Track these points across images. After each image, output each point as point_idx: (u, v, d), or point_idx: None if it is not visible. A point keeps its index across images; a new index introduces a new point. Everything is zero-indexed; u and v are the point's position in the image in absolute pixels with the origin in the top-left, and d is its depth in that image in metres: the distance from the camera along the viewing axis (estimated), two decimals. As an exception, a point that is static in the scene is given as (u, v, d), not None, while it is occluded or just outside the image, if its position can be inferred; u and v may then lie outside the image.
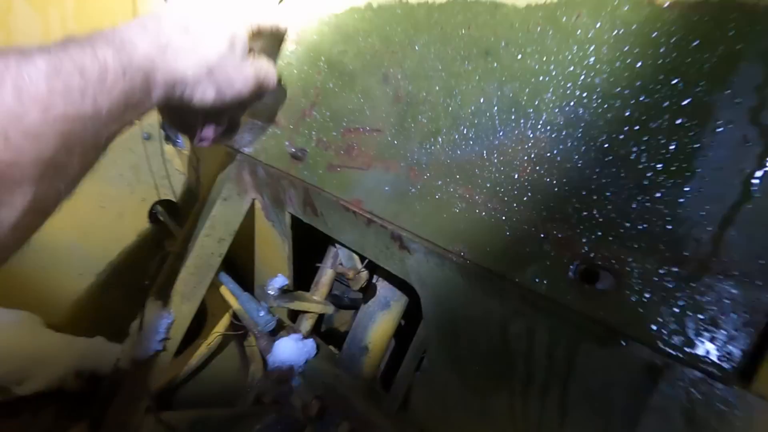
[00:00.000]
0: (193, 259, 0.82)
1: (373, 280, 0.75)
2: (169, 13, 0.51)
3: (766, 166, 0.32)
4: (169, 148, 1.16)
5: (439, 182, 0.52)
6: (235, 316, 0.91)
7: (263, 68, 0.59)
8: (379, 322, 0.77)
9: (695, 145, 0.35)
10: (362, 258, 0.72)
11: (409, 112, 0.56)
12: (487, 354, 0.51)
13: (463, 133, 0.51)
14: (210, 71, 0.52)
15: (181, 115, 0.61)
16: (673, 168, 0.36)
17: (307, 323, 0.81)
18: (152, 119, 1.11)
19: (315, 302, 0.81)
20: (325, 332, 1.01)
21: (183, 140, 1.11)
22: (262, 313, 0.75)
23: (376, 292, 0.75)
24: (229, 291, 0.85)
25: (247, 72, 0.56)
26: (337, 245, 0.74)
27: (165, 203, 1.21)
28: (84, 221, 1.08)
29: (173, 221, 1.18)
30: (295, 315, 0.85)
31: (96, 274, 1.12)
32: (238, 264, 1.02)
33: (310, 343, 0.77)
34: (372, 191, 0.58)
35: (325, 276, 0.82)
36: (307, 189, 0.67)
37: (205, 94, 0.53)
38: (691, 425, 0.32)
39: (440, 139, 0.53)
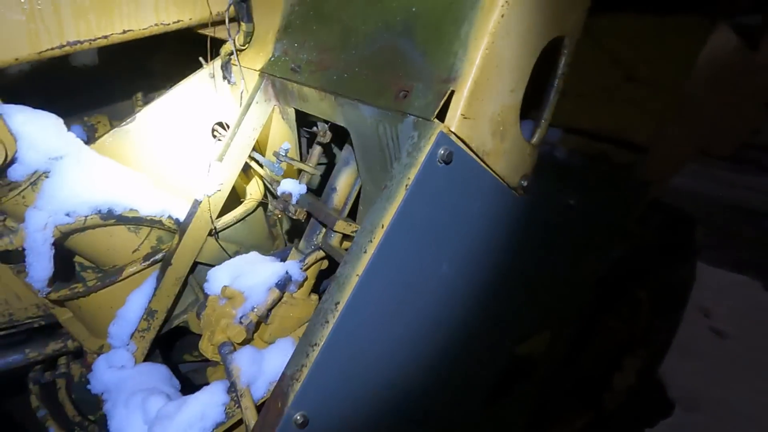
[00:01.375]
0: (238, 139, 1.37)
1: (344, 148, 1.27)
2: None
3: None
4: (225, 84, 1.72)
5: (356, 69, 1.02)
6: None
7: None
8: (343, 173, 1.28)
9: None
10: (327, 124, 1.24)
11: (346, 36, 1.07)
12: (377, 155, 1.01)
13: (363, 43, 1.01)
14: None
15: None
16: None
17: (303, 179, 1.35)
18: (216, 63, 1.67)
19: (308, 165, 1.34)
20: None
21: (234, 78, 1.66)
22: (276, 164, 1.29)
23: (342, 155, 1.27)
24: (256, 161, 1.40)
25: None
26: (318, 123, 1.26)
27: (221, 123, 1.79)
28: (173, 129, 1.67)
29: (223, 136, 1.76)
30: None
31: (180, 168, 1.72)
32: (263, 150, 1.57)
33: (303, 186, 1.30)
34: (328, 79, 1.09)
35: (315, 149, 1.35)
36: (300, 88, 1.20)
37: None
38: (417, 144, 0.82)
39: (358, 48, 1.04)
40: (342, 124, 1.10)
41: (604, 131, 1.57)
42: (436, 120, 0.80)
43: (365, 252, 0.79)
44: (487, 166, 0.88)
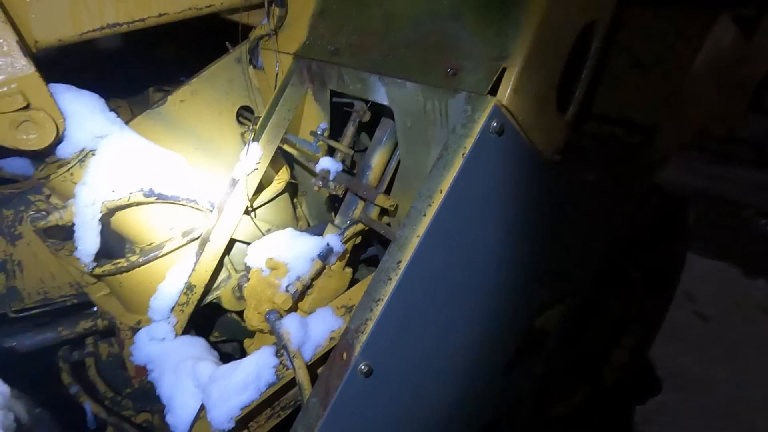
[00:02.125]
0: (274, 120, 1.43)
1: (378, 128, 1.34)
2: None
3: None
4: (251, 69, 1.77)
5: (402, 50, 1.10)
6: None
7: None
8: (378, 151, 1.36)
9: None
10: (367, 104, 1.31)
11: (389, 22, 1.14)
12: (421, 131, 1.09)
13: (408, 25, 1.08)
14: None
15: None
16: None
17: (339, 155, 1.42)
18: (242, 48, 1.72)
19: (343, 145, 1.41)
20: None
21: (262, 62, 1.71)
22: (314, 145, 1.35)
23: (377, 133, 1.35)
24: (290, 141, 1.47)
25: None
26: (355, 102, 1.33)
27: (247, 108, 1.83)
28: (201, 113, 1.71)
29: (251, 121, 1.81)
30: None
31: (206, 149, 1.76)
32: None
33: (339, 163, 1.37)
34: (371, 61, 1.16)
35: (349, 129, 1.42)
36: (340, 69, 1.26)
37: None
38: (471, 117, 0.90)
39: (402, 30, 1.11)
40: (385, 103, 1.17)
41: (614, 114, 1.67)
42: (489, 95, 0.88)
43: (424, 215, 0.87)
44: (530, 139, 0.97)
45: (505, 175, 0.95)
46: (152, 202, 1.40)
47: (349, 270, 1.41)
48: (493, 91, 0.89)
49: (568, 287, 1.63)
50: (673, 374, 3.43)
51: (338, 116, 1.45)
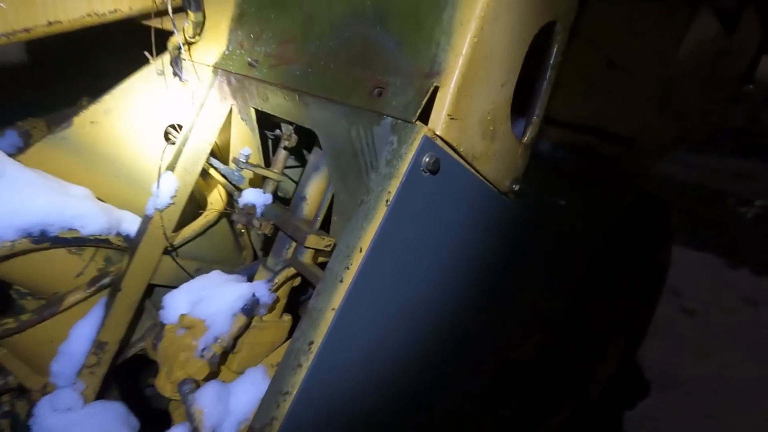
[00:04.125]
0: (191, 144, 1.21)
1: (312, 151, 1.14)
2: None
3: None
4: (176, 81, 1.55)
5: (322, 62, 0.89)
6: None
7: None
8: (313, 180, 1.15)
9: None
10: (293, 125, 1.10)
11: (309, 25, 0.93)
12: (351, 161, 0.89)
13: (331, 31, 0.88)
14: None
15: None
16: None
17: (268, 187, 1.21)
18: (164, 58, 1.49)
19: (272, 171, 1.19)
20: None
21: (185, 74, 1.49)
22: (236, 173, 1.14)
23: (311, 159, 1.14)
24: (215, 168, 1.25)
25: None
26: (282, 124, 1.12)
27: (175, 126, 1.61)
28: (117, 135, 1.48)
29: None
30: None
31: (126, 175, 1.53)
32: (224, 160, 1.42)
33: (268, 195, 1.16)
34: (290, 75, 0.95)
35: (280, 155, 1.21)
36: (259, 84, 1.05)
37: None
38: (397, 151, 0.70)
39: (324, 38, 0.90)
40: (308, 126, 0.96)
41: (588, 122, 1.49)
42: (418, 122, 0.68)
43: (341, 281, 0.67)
44: (477, 171, 0.77)
45: (444, 219, 0.75)
46: (45, 249, 1.17)
47: (288, 318, 1.21)
48: (424, 117, 0.69)
49: (544, 319, 1.45)
50: (661, 374, 3.31)
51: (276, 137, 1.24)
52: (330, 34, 0.88)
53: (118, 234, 1.32)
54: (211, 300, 1.09)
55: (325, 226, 1.13)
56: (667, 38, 1.41)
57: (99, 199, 1.34)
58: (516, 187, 0.86)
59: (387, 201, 0.67)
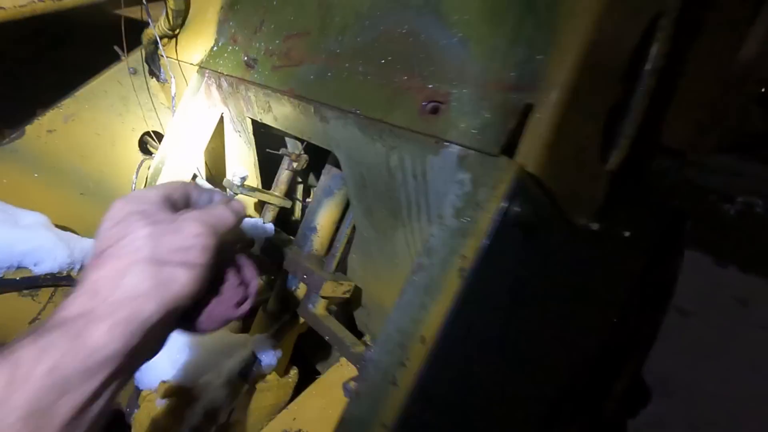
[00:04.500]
0: (173, 161, 0.98)
1: (323, 172, 0.92)
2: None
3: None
4: (153, 82, 1.31)
5: (346, 65, 0.67)
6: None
7: (207, 213, 0.48)
8: (325, 207, 0.94)
9: None
10: (303, 144, 0.89)
11: (327, 14, 0.71)
12: (384, 195, 0.68)
13: (360, 25, 0.66)
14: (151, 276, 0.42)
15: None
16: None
17: (269, 214, 0.99)
18: (137, 54, 1.25)
19: (274, 196, 0.98)
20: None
21: (165, 74, 1.26)
22: (229, 196, 0.92)
23: (325, 181, 0.92)
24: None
25: (186, 228, 0.45)
26: (287, 139, 0.90)
27: (153, 134, 1.37)
28: (82, 146, 1.24)
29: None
30: (260, 212, 1.03)
31: (94, 194, 1.29)
32: (215, 177, 1.19)
33: (270, 226, 0.94)
34: (302, 80, 0.74)
35: (283, 175, 0.99)
36: (257, 90, 0.83)
37: (171, 290, 0.43)
38: (472, 197, 0.49)
39: (348, 32, 0.68)
40: (325, 146, 0.75)
41: (672, 143, 1.30)
42: (503, 156, 0.48)
43: (394, 384, 0.46)
44: (559, 208, 0.57)
45: (536, 285, 0.55)
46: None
47: (293, 372, 1.00)
48: (510, 149, 0.48)
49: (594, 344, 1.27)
50: (660, 380, 3.20)
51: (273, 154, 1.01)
52: (357, 26, 0.67)
53: (82, 268, 1.08)
54: (199, 360, 0.87)
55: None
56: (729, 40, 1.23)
57: (59, 226, 1.10)
58: (595, 226, 0.66)
59: (462, 270, 0.46)
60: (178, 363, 0.88)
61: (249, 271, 0.52)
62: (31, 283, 0.99)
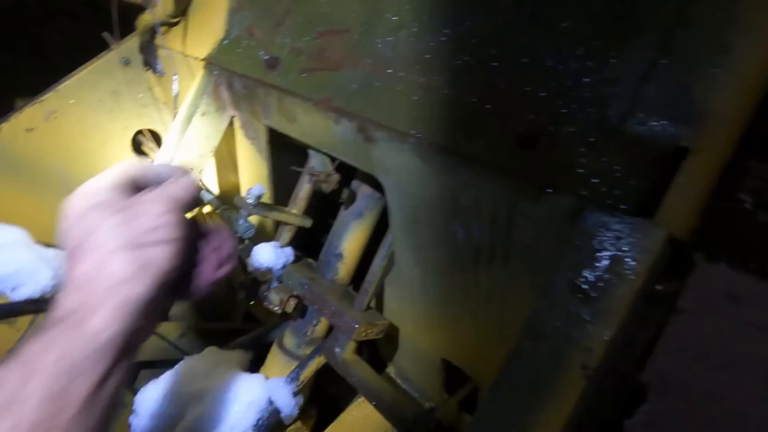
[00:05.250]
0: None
1: (352, 188, 0.79)
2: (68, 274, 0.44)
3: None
4: (149, 75, 1.16)
5: (401, 74, 0.54)
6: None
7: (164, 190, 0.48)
8: (353, 231, 0.81)
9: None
10: (334, 162, 0.75)
11: (375, 9, 0.58)
12: (442, 234, 0.56)
13: (424, 23, 0.53)
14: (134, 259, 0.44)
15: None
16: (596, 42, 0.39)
17: (286, 235, 0.86)
18: (131, 42, 1.10)
19: (293, 215, 0.85)
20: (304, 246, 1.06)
21: (162, 66, 1.11)
22: (241, 221, 0.79)
23: (353, 201, 0.80)
24: (210, 205, 0.88)
25: (150, 209, 0.46)
26: (311, 153, 0.77)
27: (148, 133, 1.22)
28: (67, 146, 1.09)
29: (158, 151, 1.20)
30: (275, 230, 0.90)
31: (82, 200, 1.15)
32: (224, 187, 1.05)
33: (288, 250, 0.82)
34: (341, 89, 0.60)
35: (303, 190, 0.86)
36: (281, 95, 0.69)
37: (159, 267, 0.45)
38: (599, 253, 0.37)
39: (404, 32, 0.55)
40: (366, 170, 0.62)
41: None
42: (642, 218, 0.36)
43: None
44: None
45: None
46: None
47: (313, 413, 0.89)
48: (649, 207, 0.36)
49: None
50: (657, 378, 3.20)
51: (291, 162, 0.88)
52: (420, 25, 0.54)
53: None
54: (206, 409, 0.75)
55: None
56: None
57: (38, 240, 0.96)
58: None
59: (584, 369, 0.34)
60: (177, 404, 0.76)
61: (221, 233, 0.55)
62: (10, 311, 0.85)
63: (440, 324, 0.69)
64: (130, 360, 0.44)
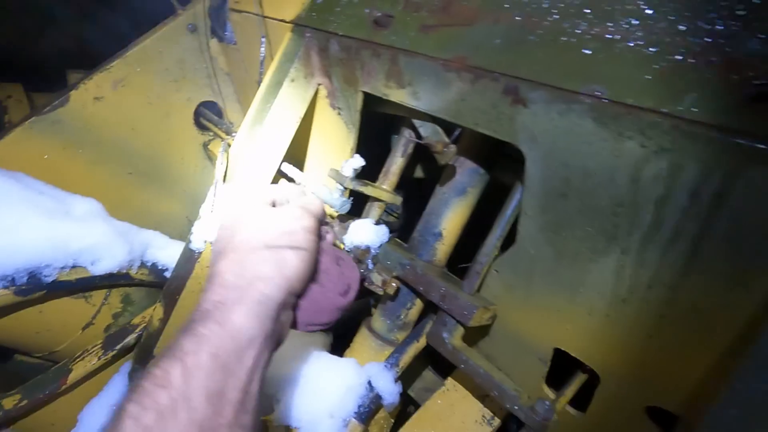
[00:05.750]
0: (258, 144, 0.79)
1: (454, 163, 0.73)
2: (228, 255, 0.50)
3: None
4: (213, 43, 1.10)
5: (566, 24, 0.47)
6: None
7: (299, 205, 0.56)
8: (453, 209, 0.75)
9: None
10: (448, 133, 0.69)
11: (529, -50, 0.51)
12: (600, 211, 0.49)
13: (600, -36, 0.46)
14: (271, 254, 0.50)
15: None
16: None
17: (375, 212, 0.81)
18: (199, 7, 1.04)
19: (386, 191, 0.79)
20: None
21: (232, 33, 1.05)
22: (336, 195, 0.74)
23: (454, 176, 0.73)
24: (292, 180, 0.83)
25: (287, 213, 0.54)
26: (418, 123, 0.71)
27: (209, 105, 1.17)
28: (132, 117, 1.05)
29: (219, 125, 1.15)
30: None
31: (144, 174, 1.11)
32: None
33: (384, 228, 0.76)
34: (479, 46, 0.54)
35: (395, 165, 0.80)
36: (395, 56, 0.63)
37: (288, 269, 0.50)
38: None
39: (567, -24, 0.48)
40: (503, 137, 0.55)
41: None
42: None
43: None
44: None
45: None
46: (37, 300, 0.77)
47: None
48: None
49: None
50: None
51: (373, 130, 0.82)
52: (587, -32, 0.46)
53: (142, 265, 0.92)
54: (300, 393, 0.71)
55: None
56: None
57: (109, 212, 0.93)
58: None
59: None
60: (284, 401, 0.72)
61: (347, 260, 0.56)
62: (87, 286, 0.82)
63: (563, 311, 0.63)
64: (265, 366, 0.47)
